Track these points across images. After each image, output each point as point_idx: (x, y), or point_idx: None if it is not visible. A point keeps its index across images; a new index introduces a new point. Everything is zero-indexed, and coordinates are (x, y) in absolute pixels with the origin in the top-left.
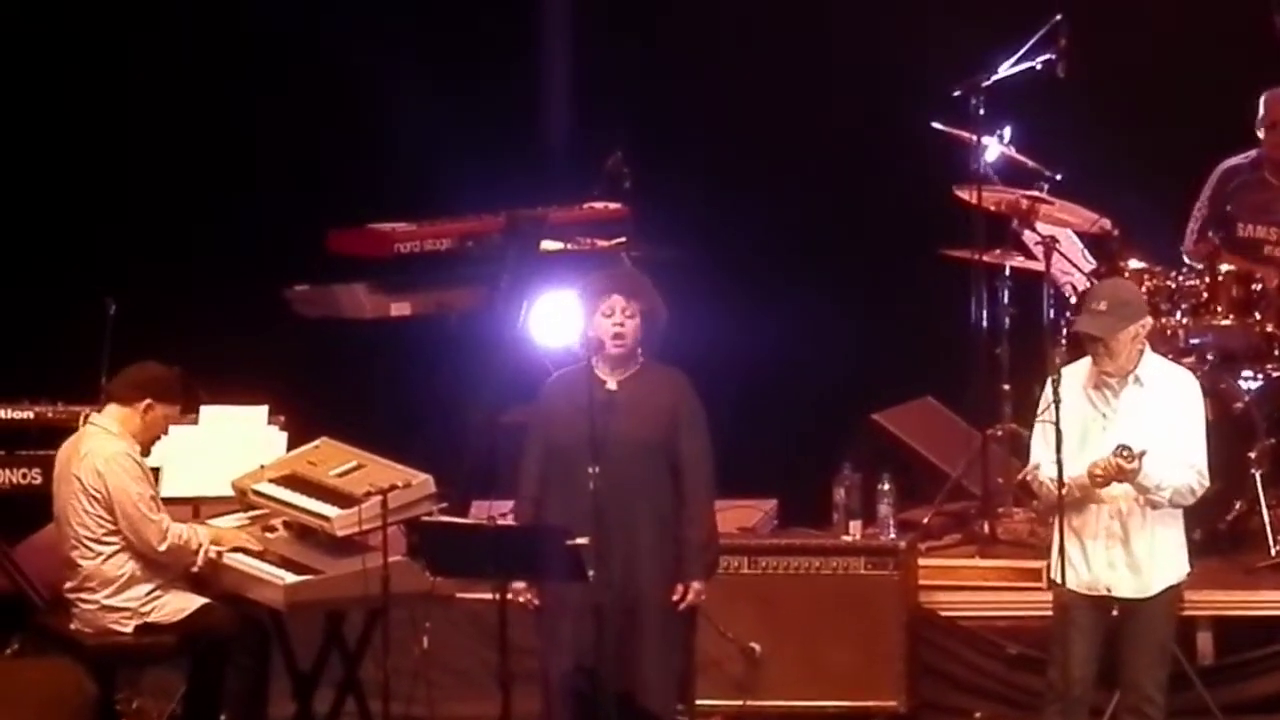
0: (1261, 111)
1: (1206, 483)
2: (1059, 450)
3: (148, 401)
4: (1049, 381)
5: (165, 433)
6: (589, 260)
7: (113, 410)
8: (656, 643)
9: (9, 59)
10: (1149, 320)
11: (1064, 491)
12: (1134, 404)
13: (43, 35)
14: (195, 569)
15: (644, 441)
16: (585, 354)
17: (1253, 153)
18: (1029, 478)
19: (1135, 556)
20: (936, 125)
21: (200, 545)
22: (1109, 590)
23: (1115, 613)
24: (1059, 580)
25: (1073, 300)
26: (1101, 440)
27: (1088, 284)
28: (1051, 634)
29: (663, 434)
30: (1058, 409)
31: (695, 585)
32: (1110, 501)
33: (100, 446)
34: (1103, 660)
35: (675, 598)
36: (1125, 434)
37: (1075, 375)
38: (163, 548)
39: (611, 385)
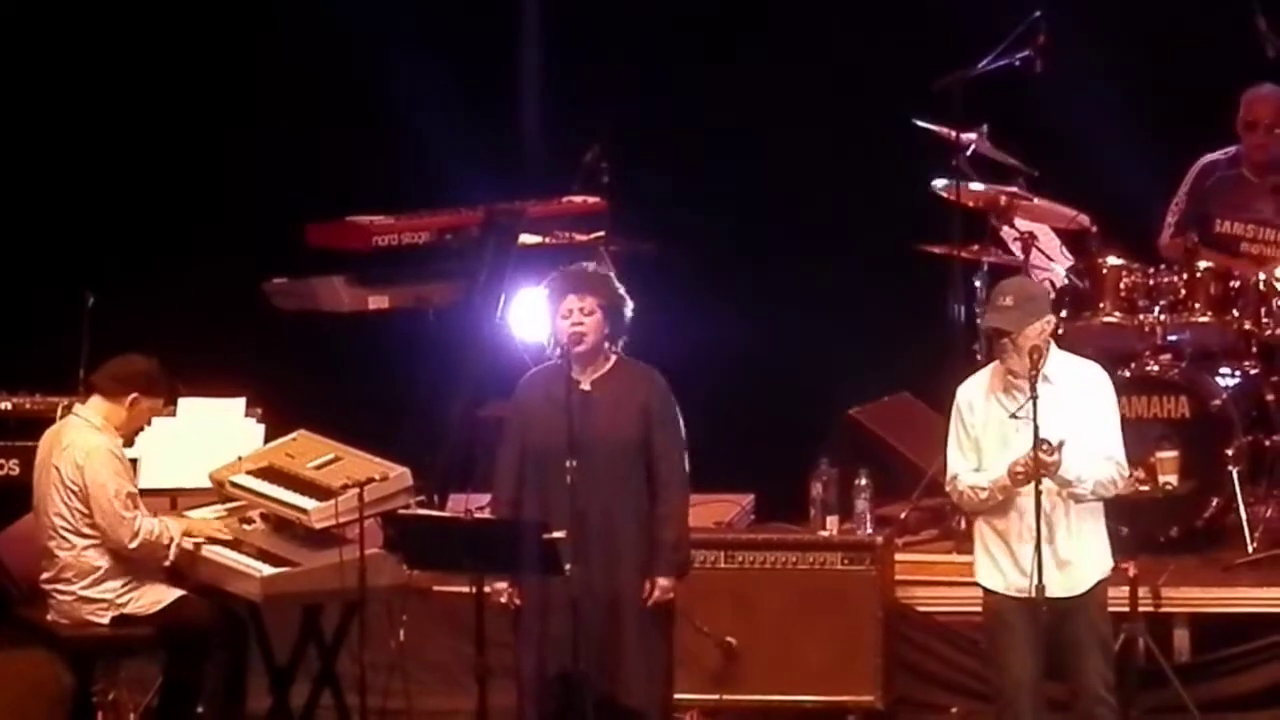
0: (1241, 111)
1: (1126, 473)
2: (1035, 447)
3: (133, 395)
4: (960, 384)
5: (148, 424)
6: (567, 255)
7: (96, 402)
8: (637, 641)
9: None
10: (1053, 318)
11: (985, 497)
12: (1046, 401)
13: (28, 30)
14: (167, 563)
15: (621, 440)
16: (556, 355)
17: (1232, 149)
18: (949, 489)
19: (1062, 555)
20: (915, 121)
21: (171, 539)
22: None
23: (1044, 609)
24: (992, 587)
25: (1051, 296)
26: (1018, 441)
27: (1065, 280)
28: (988, 640)
29: (638, 432)
30: (1035, 405)
31: (662, 583)
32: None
33: (82, 439)
34: (1046, 655)
35: (644, 595)
36: (1041, 432)
37: (979, 383)
38: (133, 545)
39: (585, 385)
